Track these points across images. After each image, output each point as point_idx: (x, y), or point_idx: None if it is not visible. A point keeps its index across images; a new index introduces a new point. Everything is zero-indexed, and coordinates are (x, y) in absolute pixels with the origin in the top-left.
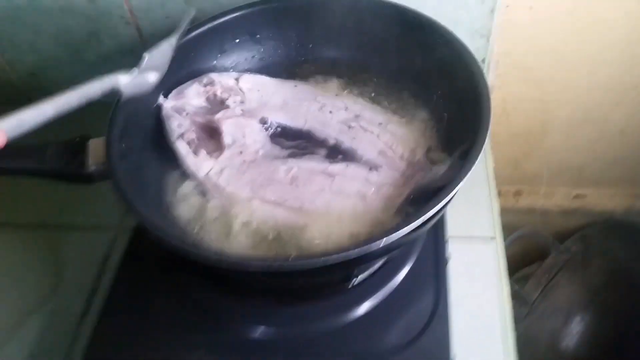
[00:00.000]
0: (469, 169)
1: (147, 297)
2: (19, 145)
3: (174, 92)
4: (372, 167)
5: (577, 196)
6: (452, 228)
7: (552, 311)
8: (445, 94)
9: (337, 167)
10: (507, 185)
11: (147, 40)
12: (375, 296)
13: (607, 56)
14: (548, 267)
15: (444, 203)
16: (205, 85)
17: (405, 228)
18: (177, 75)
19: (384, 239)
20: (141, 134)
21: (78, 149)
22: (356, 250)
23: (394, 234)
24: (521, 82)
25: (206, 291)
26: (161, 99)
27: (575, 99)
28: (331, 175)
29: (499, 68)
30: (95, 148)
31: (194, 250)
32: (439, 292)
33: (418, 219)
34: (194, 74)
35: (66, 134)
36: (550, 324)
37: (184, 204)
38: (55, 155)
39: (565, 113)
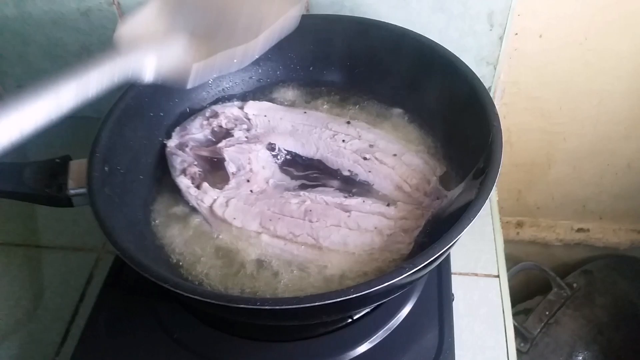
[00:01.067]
0: (491, 186)
1: (128, 326)
2: None
3: (177, 129)
4: (389, 202)
5: (580, 230)
6: (455, 264)
7: (555, 348)
8: (453, 116)
9: (354, 202)
10: (509, 216)
11: None
12: (376, 333)
13: (617, 88)
14: (550, 303)
15: (465, 228)
16: (208, 118)
17: (420, 264)
18: (168, 92)
19: (397, 277)
20: (128, 154)
21: (58, 170)
22: (371, 289)
23: (409, 270)
24: (527, 111)
25: (192, 324)
26: (166, 139)
27: (582, 130)
28: (347, 210)
29: (504, 97)
30: (77, 170)
31: (175, 288)
32: (444, 330)
33: (435, 253)
34: (186, 91)
35: (46, 153)
36: None
37: (177, 234)
38: (32, 176)
39: (572, 145)
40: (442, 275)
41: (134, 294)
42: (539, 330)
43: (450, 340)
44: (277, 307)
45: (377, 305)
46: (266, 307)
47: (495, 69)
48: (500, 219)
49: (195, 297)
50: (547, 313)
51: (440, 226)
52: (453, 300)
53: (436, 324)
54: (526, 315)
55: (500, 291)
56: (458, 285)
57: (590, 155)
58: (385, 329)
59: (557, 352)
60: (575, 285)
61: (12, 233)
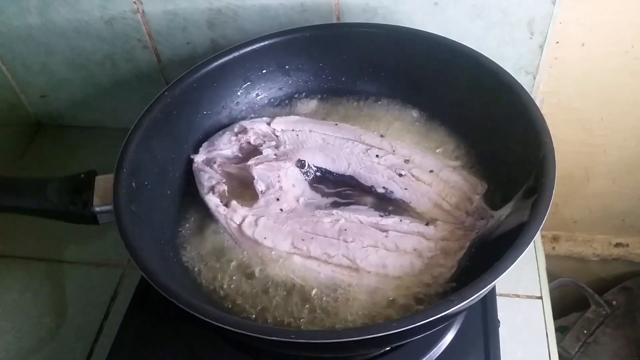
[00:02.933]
0: (546, 208)
1: (156, 350)
2: (15, 179)
3: (205, 144)
4: (428, 221)
5: (618, 244)
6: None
7: None
8: (495, 131)
9: (390, 222)
10: (544, 230)
11: (165, 66)
12: None
13: None
14: (588, 321)
15: (520, 255)
16: (237, 134)
17: (469, 297)
18: (197, 103)
19: (443, 311)
20: (155, 169)
21: (83, 186)
22: (415, 324)
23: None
24: (566, 123)
25: (224, 349)
26: (193, 154)
27: (624, 143)
28: (384, 230)
29: (543, 107)
30: (103, 186)
31: (204, 317)
32: (490, 358)
33: (487, 284)
34: (215, 103)
35: (70, 168)
36: None
37: (204, 253)
38: (57, 192)
39: (612, 158)
40: (486, 300)
41: (161, 315)
42: (577, 349)
43: None
44: (312, 341)
45: None
46: (299, 341)
47: (534, 78)
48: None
49: (226, 327)
50: (585, 332)
51: (486, 249)
52: (499, 326)
53: (482, 352)
54: (562, 334)
55: (544, 314)
56: (499, 308)
57: (632, 169)
58: (426, 358)
59: None
60: (614, 302)
61: (34, 247)
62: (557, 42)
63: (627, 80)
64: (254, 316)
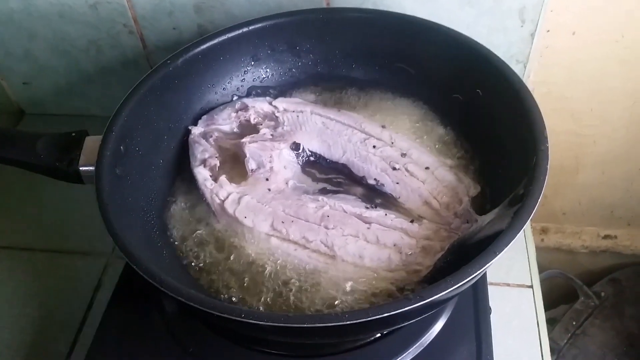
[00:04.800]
0: (526, 218)
1: (140, 338)
2: (7, 130)
3: (204, 117)
4: (414, 218)
5: (606, 236)
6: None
7: None
8: (496, 133)
9: (375, 214)
10: (533, 222)
11: (151, 52)
12: (407, 350)
13: None
14: (576, 312)
15: (488, 263)
16: (237, 111)
17: (442, 292)
18: (202, 76)
19: (400, 308)
20: (150, 136)
21: (73, 144)
22: (369, 318)
23: (421, 299)
24: (556, 113)
25: (207, 336)
26: (191, 126)
27: (614, 133)
28: (367, 222)
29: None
30: (91, 146)
31: (185, 300)
32: (481, 346)
33: (458, 282)
34: (220, 77)
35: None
36: None
37: (189, 232)
38: (46, 147)
39: (602, 148)
40: (477, 287)
41: (145, 303)
42: (565, 341)
43: (489, 357)
44: (263, 323)
45: None
46: (253, 322)
47: (525, 67)
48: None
49: (192, 304)
50: (574, 323)
51: (464, 253)
52: (490, 313)
53: (473, 340)
54: (551, 325)
55: (534, 302)
56: (490, 296)
57: (621, 159)
58: (416, 345)
59: None
60: (603, 294)
61: (17, 236)
62: (548, 31)
63: (616, 70)
64: (226, 295)
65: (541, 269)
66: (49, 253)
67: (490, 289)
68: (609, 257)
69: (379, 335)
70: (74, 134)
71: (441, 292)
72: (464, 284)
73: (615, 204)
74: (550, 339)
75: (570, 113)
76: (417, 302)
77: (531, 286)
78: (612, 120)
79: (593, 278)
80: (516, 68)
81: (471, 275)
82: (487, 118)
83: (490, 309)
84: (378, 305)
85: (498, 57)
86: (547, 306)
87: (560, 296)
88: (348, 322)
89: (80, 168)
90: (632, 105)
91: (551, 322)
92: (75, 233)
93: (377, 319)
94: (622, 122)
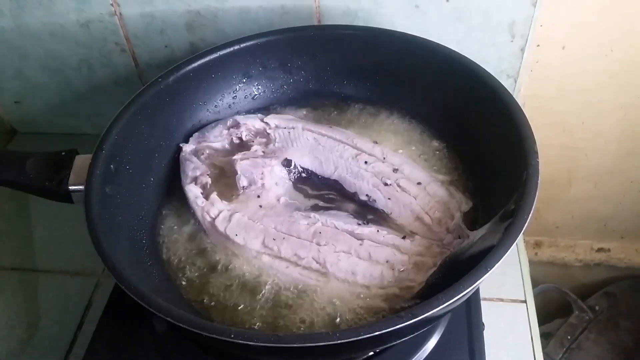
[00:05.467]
0: (517, 234)
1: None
2: None
3: (196, 134)
4: (406, 234)
5: (600, 249)
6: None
7: None
8: (487, 148)
9: (367, 231)
10: (527, 236)
11: (143, 70)
12: None
13: None
14: (571, 327)
15: (479, 279)
16: (229, 128)
17: (434, 310)
18: (194, 94)
19: (391, 326)
20: (140, 154)
21: (63, 164)
22: (361, 336)
23: (416, 316)
24: (547, 127)
25: (199, 357)
26: (183, 143)
27: (606, 146)
28: (359, 239)
29: (524, 111)
30: (81, 165)
31: (174, 320)
32: None
33: (449, 299)
34: (212, 95)
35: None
36: None
37: (180, 251)
38: (35, 167)
39: (594, 161)
40: (470, 303)
41: (136, 323)
42: (560, 356)
43: None
44: (252, 344)
45: None
46: (243, 342)
47: (515, 82)
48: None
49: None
50: (568, 337)
51: (456, 269)
52: (484, 329)
53: (467, 357)
54: (546, 340)
55: (528, 318)
56: (483, 312)
57: (613, 172)
58: None
59: None
60: (597, 307)
61: (6, 255)
62: (538, 45)
63: (607, 83)
64: (216, 316)
65: (535, 283)
66: (39, 273)
67: (483, 304)
68: (603, 270)
69: (371, 353)
70: (63, 153)
71: (433, 310)
72: (455, 300)
73: (608, 217)
74: (545, 353)
75: (562, 127)
76: (409, 320)
77: (525, 301)
78: (604, 133)
79: (587, 291)
80: (507, 83)
81: (463, 292)
82: (478, 133)
83: (484, 325)
84: (370, 324)
85: (488, 72)
86: (542, 320)
87: (555, 310)
88: (340, 341)
89: (70, 187)
90: (623, 118)
91: (546, 337)
92: (66, 252)
93: (369, 337)
94: (613, 135)
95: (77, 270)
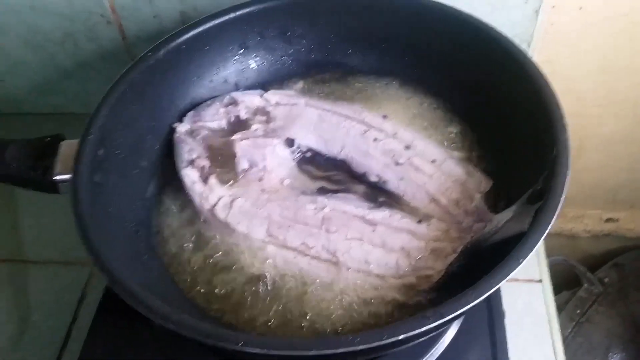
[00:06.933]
0: (551, 218)
1: (128, 356)
2: None
3: (190, 113)
4: (422, 217)
5: (609, 220)
6: None
7: (589, 348)
8: (509, 122)
9: (380, 215)
10: None
11: (131, 44)
12: None
13: None
14: (580, 300)
15: (512, 271)
16: (226, 106)
17: (463, 307)
18: (187, 69)
19: (416, 329)
20: (131, 137)
21: (47, 151)
22: (382, 342)
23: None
24: (561, 94)
25: (199, 354)
26: (176, 123)
27: (621, 113)
28: (372, 224)
29: None
30: (67, 152)
31: (175, 328)
32: (497, 354)
33: (480, 295)
34: (206, 69)
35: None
36: None
37: (178, 241)
38: (17, 155)
39: (607, 129)
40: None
41: (134, 317)
42: (570, 330)
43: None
44: (259, 352)
45: None
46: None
47: (529, 46)
48: None
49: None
50: (578, 311)
51: (479, 256)
52: (504, 317)
53: (488, 347)
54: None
55: (545, 298)
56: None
57: (626, 140)
58: (427, 356)
59: (591, 353)
60: (606, 280)
61: None
62: (553, 7)
63: (625, 47)
64: (220, 312)
65: None
66: (28, 264)
67: None
68: (612, 240)
69: None
70: (48, 139)
71: (462, 307)
72: (485, 296)
73: (618, 186)
74: None
75: (575, 94)
76: (437, 320)
77: (540, 280)
78: (619, 101)
79: (596, 262)
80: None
81: (494, 286)
82: (497, 105)
83: (504, 312)
84: (393, 326)
85: (508, 38)
86: None
87: (562, 283)
88: (360, 347)
89: (56, 177)
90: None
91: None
92: (56, 241)
93: (392, 341)
94: (628, 103)
95: (69, 260)
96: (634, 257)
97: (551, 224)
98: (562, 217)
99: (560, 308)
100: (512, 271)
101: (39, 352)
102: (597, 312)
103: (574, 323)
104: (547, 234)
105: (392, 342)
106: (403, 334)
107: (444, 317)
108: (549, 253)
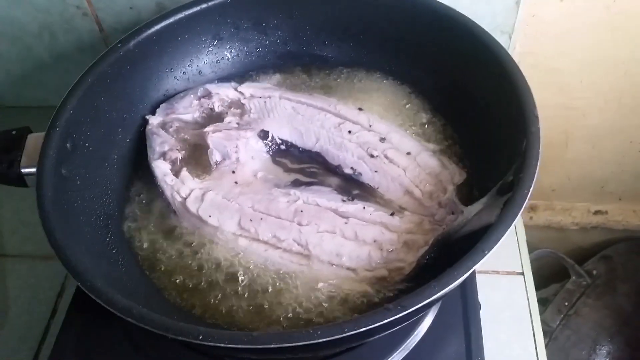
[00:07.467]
0: (518, 210)
1: (100, 349)
2: None
3: (163, 105)
4: (395, 210)
5: (597, 212)
6: None
7: (576, 341)
8: (484, 115)
9: (353, 208)
10: None
11: (108, 35)
12: (392, 353)
13: None
14: (568, 292)
15: (477, 263)
16: (200, 98)
17: (426, 300)
18: (159, 60)
19: (378, 321)
20: (101, 129)
21: (14, 144)
22: (344, 334)
23: (405, 308)
24: (544, 86)
25: (169, 346)
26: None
27: (605, 105)
28: (344, 217)
29: None
30: (33, 145)
31: (135, 321)
32: (471, 346)
33: (443, 287)
34: (179, 60)
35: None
36: (575, 355)
37: (148, 235)
38: None
39: (592, 121)
40: (465, 282)
41: (106, 310)
42: (558, 322)
43: (481, 356)
44: (222, 345)
45: None
46: (215, 345)
47: (510, 38)
48: None
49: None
50: (566, 304)
51: (449, 248)
52: (480, 309)
53: (462, 340)
54: (543, 306)
55: (526, 291)
56: (478, 286)
57: (612, 132)
58: (402, 348)
59: (579, 346)
60: (594, 272)
61: None
62: None
63: (608, 38)
64: (190, 307)
65: (531, 248)
66: (6, 258)
67: (478, 277)
68: (600, 233)
69: None
70: (14, 132)
71: (424, 300)
72: (450, 288)
73: (606, 179)
74: (542, 321)
75: (559, 86)
76: (399, 313)
77: (522, 273)
78: (603, 92)
79: (584, 255)
80: (501, 39)
81: (457, 278)
82: (472, 97)
83: (480, 304)
84: (354, 319)
85: (482, 28)
86: (538, 286)
87: (551, 275)
88: (321, 340)
89: (23, 170)
90: (624, 75)
91: (542, 302)
92: (34, 236)
93: (353, 334)
94: (613, 94)
95: (48, 255)
96: (622, 249)
97: (519, 215)
98: (550, 210)
99: (548, 300)
100: (476, 263)
101: (18, 347)
102: (585, 305)
103: (562, 315)
104: (535, 226)
105: (355, 335)
106: (364, 327)
107: (406, 310)
108: (537, 245)
